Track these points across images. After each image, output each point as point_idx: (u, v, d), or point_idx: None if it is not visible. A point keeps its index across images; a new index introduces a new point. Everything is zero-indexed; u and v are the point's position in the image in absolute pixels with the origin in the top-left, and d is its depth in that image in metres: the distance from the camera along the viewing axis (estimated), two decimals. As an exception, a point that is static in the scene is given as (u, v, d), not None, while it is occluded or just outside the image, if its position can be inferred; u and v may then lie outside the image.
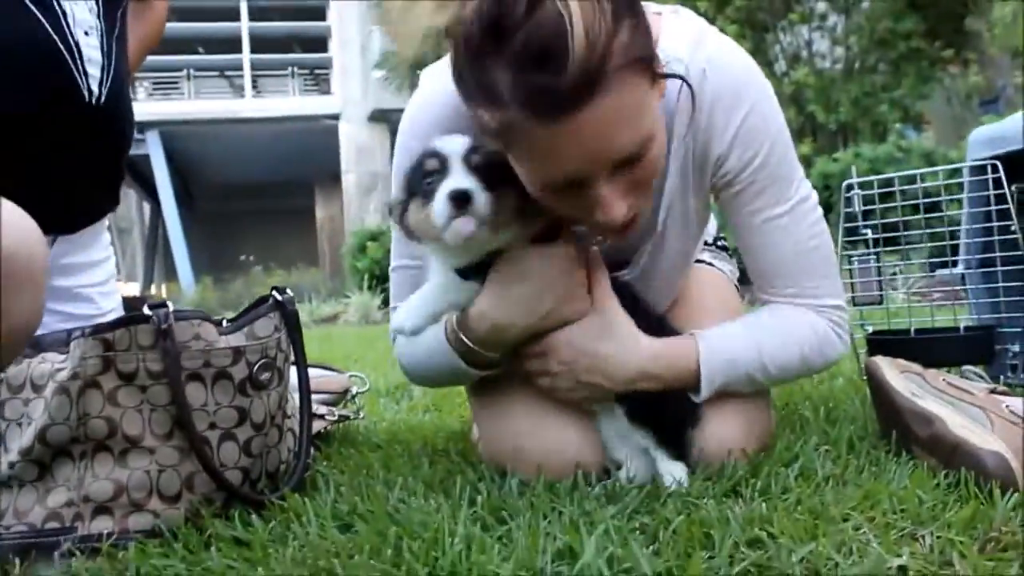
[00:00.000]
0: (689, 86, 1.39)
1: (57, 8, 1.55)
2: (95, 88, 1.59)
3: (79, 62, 1.56)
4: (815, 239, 1.49)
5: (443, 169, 1.31)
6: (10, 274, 1.02)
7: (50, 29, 1.53)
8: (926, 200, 2.04)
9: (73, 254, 1.69)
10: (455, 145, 1.32)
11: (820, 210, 1.53)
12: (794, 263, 1.48)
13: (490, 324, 1.39)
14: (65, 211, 1.64)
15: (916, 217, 2.07)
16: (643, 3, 1.34)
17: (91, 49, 1.59)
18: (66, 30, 1.56)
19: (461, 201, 1.26)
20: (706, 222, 1.64)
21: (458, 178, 1.28)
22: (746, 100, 1.41)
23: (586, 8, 1.12)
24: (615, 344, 1.39)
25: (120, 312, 1.77)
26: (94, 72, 1.59)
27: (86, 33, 1.60)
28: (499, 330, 1.39)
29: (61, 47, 1.54)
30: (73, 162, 1.61)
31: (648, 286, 1.57)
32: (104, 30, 1.65)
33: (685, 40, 1.42)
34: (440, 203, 1.27)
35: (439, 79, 1.43)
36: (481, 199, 1.27)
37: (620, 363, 1.38)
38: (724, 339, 1.45)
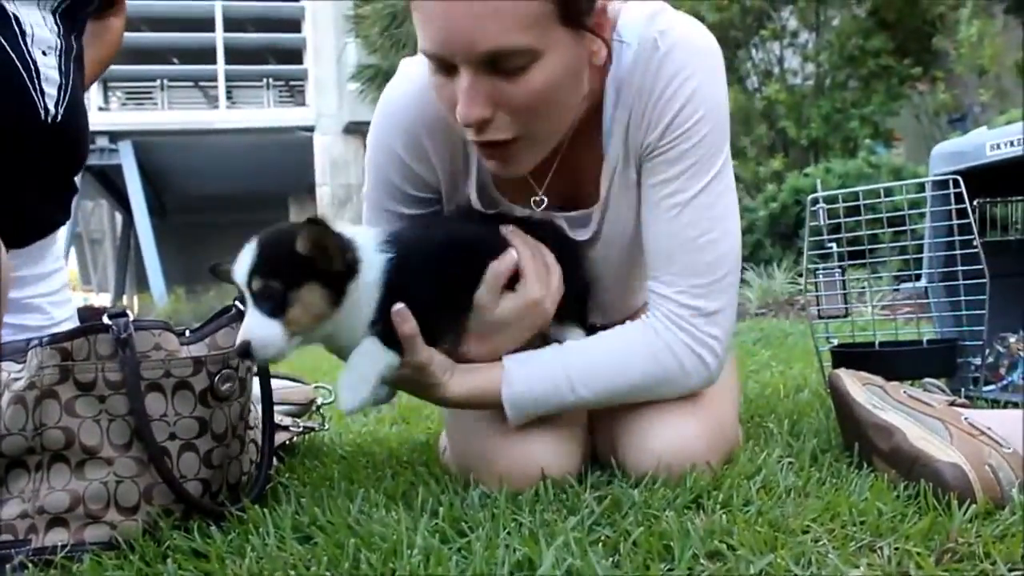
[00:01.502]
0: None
1: (16, 27, 1.55)
2: (51, 107, 1.58)
3: (36, 81, 1.56)
4: (713, 233, 1.41)
5: (242, 297, 1.34)
6: None
7: (8, 47, 1.53)
8: (892, 214, 2.06)
9: (23, 267, 1.67)
10: (241, 271, 1.31)
11: (735, 211, 1.47)
12: (683, 252, 1.41)
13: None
14: (15, 226, 1.62)
15: (882, 231, 2.08)
16: None
17: (48, 68, 1.59)
18: (23, 48, 1.56)
19: (247, 355, 1.28)
20: None
21: (244, 322, 1.29)
22: (689, 67, 1.40)
23: None
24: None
25: (74, 321, 1.75)
26: (51, 91, 1.59)
27: (44, 53, 1.59)
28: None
29: (19, 65, 1.54)
30: (25, 179, 1.60)
31: (608, 257, 1.56)
32: (63, 49, 1.65)
33: (642, 15, 1.43)
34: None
35: (414, 63, 1.51)
36: (266, 338, 1.27)
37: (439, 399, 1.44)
38: (529, 371, 1.42)
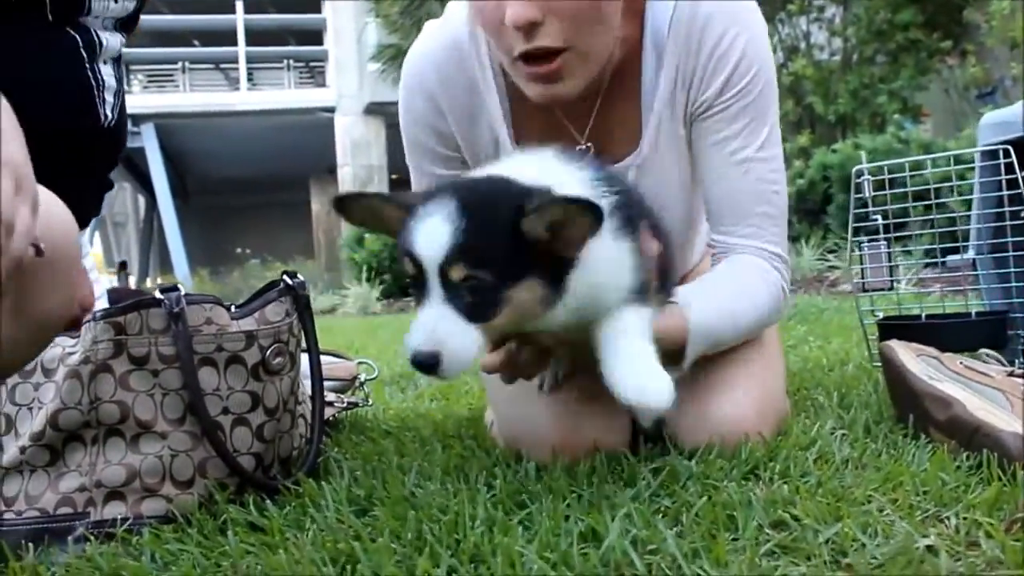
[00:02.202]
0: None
1: (95, 38, 1.56)
2: (109, 113, 1.61)
3: (101, 90, 1.59)
4: (777, 185, 1.50)
5: (420, 281, 1.03)
6: (49, 262, 1.01)
7: (86, 59, 1.55)
8: (935, 186, 2.03)
9: None
10: (432, 249, 1.00)
11: (783, 167, 1.54)
12: (756, 205, 1.49)
13: None
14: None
15: (926, 203, 2.05)
16: None
17: (110, 77, 1.62)
18: (97, 66, 1.59)
19: (431, 368, 1.01)
20: None
21: (427, 320, 1.00)
22: (738, 24, 1.43)
23: None
24: None
25: (104, 302, 1.77)
26: (110, 99, 1.62)
27: (105, 63, 1.61)
28: None
29: (90, 75, 1.56)
30: (80, 179, 1.63)
31: None
32: (119, 57, 1.68)
33: None
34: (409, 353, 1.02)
35: (437, 24, 1.57)
36: (461, 350, 1.00)
37: None
38: (708, 317, 1.42)
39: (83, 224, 1.73)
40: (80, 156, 1.60)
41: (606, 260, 1.08)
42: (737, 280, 1.50)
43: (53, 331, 1.15)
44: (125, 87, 1.78)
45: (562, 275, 1.03)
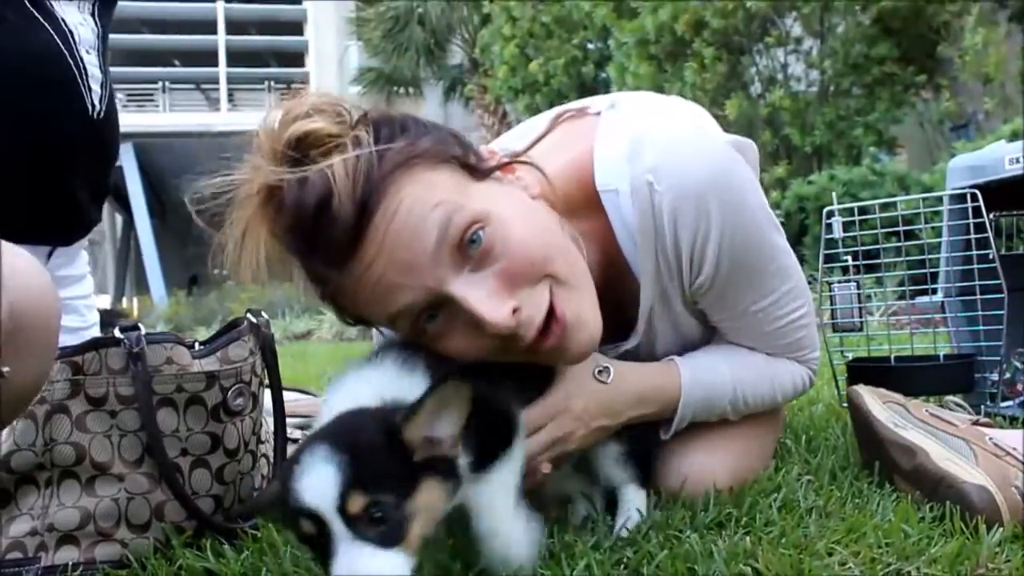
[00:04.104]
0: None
1: (64, 27, 1.57)
2: (96, 103, 1.61)
3: (85, 78, 1.58)
4: (799, 311, 1.45)
5: (322, 537, 0.92)
6: (22, 330, 0.98)
7: (61, 45, 1.55)
8: (905, 228, 2.04)
9: (66, 267, 1.69)
10: (324, 492, 0.91)
11: (794, 266, 1.46)
12: (777, 341, 1.47)
13: None
14: (67, 223, 1.66)
15: (894, 245, 2.06)
16: (578, 104, 1.40)
17: (93, 66, 1.63)
18: (74, 47, 1.60)
19: None
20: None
21: (348, 565, 0.89)
22: (709, 211, 1.30)
23: (348, 158, 1.09)
24: (610, 377, 1.34)
25: (98, 326, 1.75)
26: (96, 88, 1.62)
27: (87, 52, 1.61)
28: None
29: (71, 62, 1.56)
30: (76, 174, 1.64)
31: (652, 353, 1.50)
32: (100, 48, 1.68)
33: (622, 151, 1.35)
34: None
35: None
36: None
37: (619, 394, 1.34)
38: (704, 373, 1.41)
39: (84, 232, 1.72)
40: (72, 151, 1.60)
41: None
42: (755, 357, 1.48)
43: (28, 400, 1.12)
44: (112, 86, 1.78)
45: (453, 464, 1.00)
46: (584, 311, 1.21)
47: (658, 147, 1.33)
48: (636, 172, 1.31)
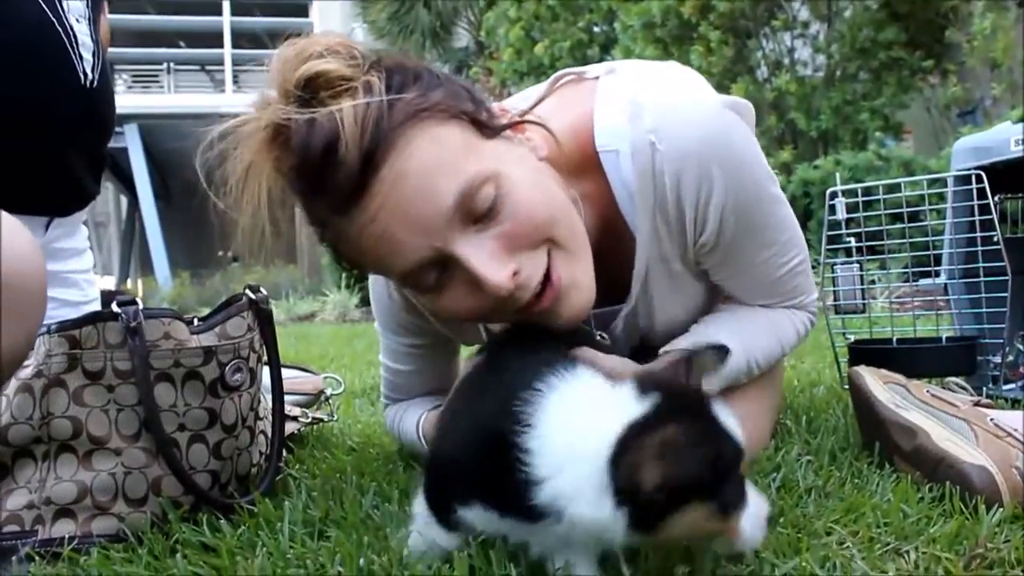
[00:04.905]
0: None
1: None
2: (89, 72, 1.61)
3: (75, 46, 1.58)
4: (796, 259, 1.48)
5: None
6: (9, 289, 0.98)
7: (50, 14, 1.55)
8: (909, 210, 2.02)
9: (65, 239, 1.70)
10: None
11: (797, 229, 1.48)
12: (779, 290, 1.49)
13: None
14: (63, 194, 1.67)
15: (898, 226, 2.05)
16: (577, 70, 1.40)
17: (83, 35, 1.63)
18: (63, 16, 1.60)
19: None
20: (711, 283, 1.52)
21: None
22: (711, 170, 1.29)
23: (358, 104, 1.09)
24: None
25: (99, 301, 1.76)
26: (87, 56, 1.63)
27: (77, 20, 1.61)
28: None
29: (60, 31, 1.56)
30: (70, 145, 1.64)
31: (650, 325, 1.51)
32: (90, 18, 1.67)
33: (622, 112, 1.34)
34: None
35: None
36: None
37: None
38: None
39: (81, 204, 1.72)
40: (65, 121, 1.60)
41: None
42: (756, 317, 1.49)
43: (15, 365, 1.12)
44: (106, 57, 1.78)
45: None
46: (579, 276, 1.22)
47: (659, 108, 1.32)
48: (637, 133, 1.31)
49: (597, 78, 1.44)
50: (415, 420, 1.56)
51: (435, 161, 1.10)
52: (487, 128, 1.18)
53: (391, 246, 1.12)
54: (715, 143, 1.31)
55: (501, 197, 1.13)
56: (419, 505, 1.07)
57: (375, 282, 1.58)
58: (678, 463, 0.83)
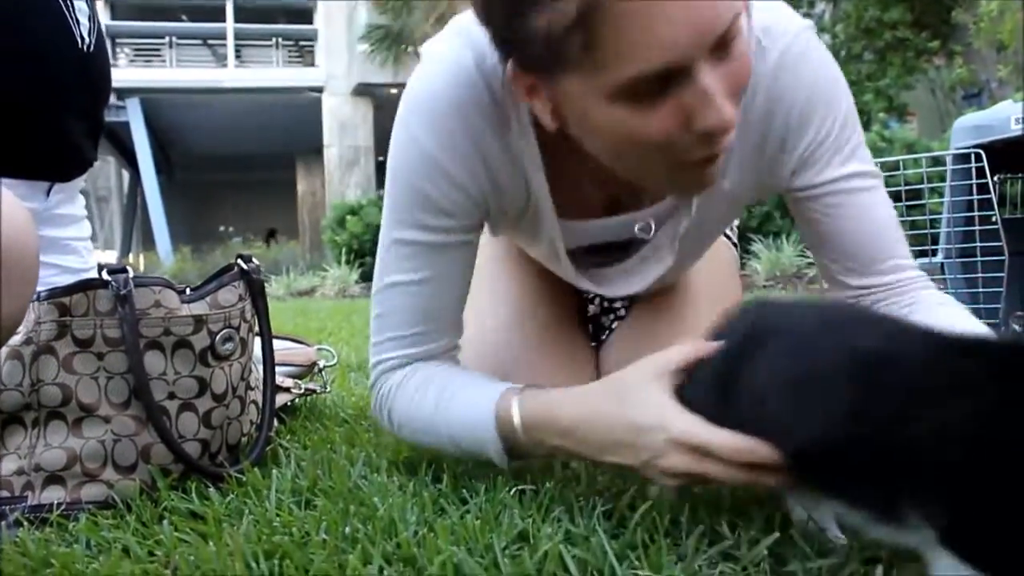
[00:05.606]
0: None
1: None
2: (85, 36, 1.60)
3: (72, 10, 1.58)
4: (885, 205, 1.29)
5: None
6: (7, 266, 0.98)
7: None
8: (907, 187, 2.02)
9: (65, 205, 1.69)
10: None
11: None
12: (891, 234, 1.28)
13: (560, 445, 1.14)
14: (61, 158, 1.65)
15: (898, 205, 2.04)
16: None
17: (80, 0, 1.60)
18: None
19: None
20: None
21: None
22: (807, 72, 1.20)
23: None
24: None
25: (96, 270, 1.76)
26: (84, 20, 1.61)
27: None
28: (566, 452, 1.15)
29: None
30: (68, 108, 1.63)
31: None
32: None
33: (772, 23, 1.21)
34: None
35: (448, 50, 1.18)
36: None
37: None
38: None
39: (80, 170, 1.72)
40: (63, 85, 1.60)
41: None
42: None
43: (8, 333, 1.12)
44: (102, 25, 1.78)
45: None
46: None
47: (765, 7, 1.20)
48: (750, 28, 1.16)
49: None
50: (487, 402, 1.19)
51: None
52: None
53: (660, 37, 0.94)
54: (811, 48, 1.22)
55: (737, 39, 1.00)
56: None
57: (410, 143, 1.19)
58: None
